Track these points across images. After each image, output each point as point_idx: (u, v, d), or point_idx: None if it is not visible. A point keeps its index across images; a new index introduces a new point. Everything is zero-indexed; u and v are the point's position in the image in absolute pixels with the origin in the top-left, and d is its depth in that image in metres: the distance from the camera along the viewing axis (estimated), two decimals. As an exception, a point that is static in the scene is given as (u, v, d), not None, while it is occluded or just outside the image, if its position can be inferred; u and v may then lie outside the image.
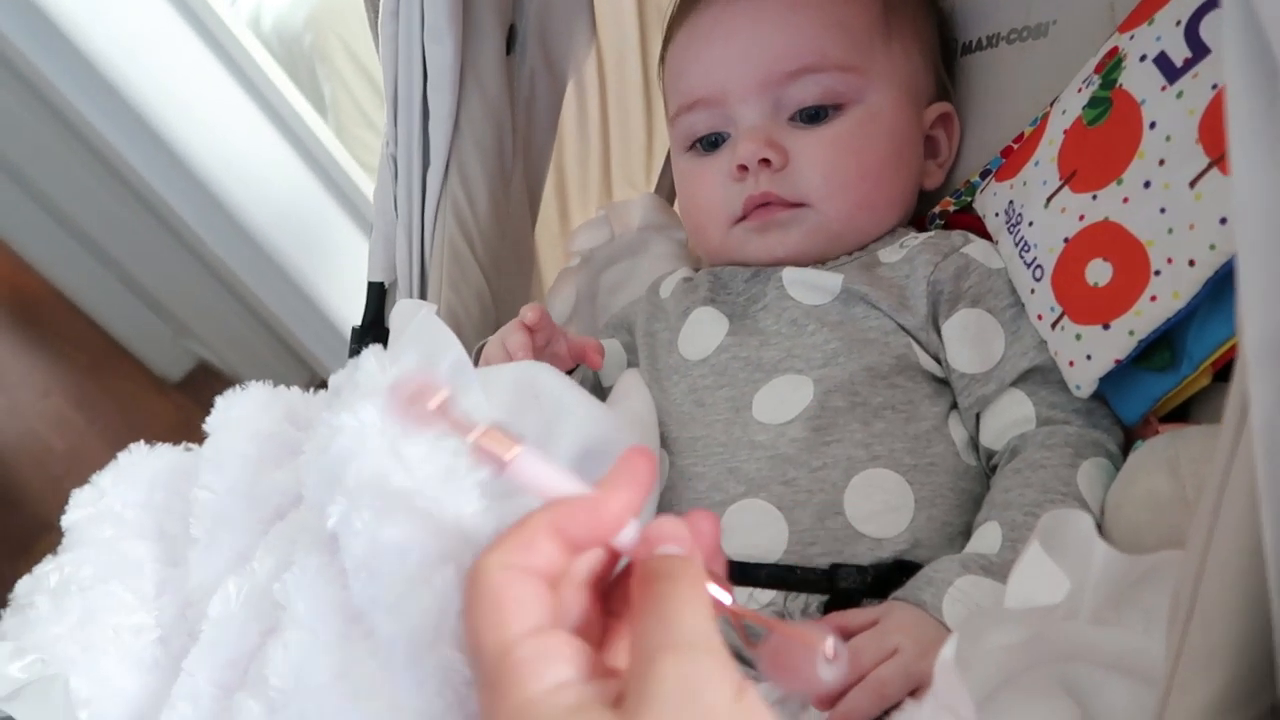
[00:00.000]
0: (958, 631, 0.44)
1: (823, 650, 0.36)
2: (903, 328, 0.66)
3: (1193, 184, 0.52)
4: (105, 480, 0.59)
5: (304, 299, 1.53)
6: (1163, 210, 0.54)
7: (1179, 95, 0.54)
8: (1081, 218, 0.59)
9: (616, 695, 0.33)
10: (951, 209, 0.74)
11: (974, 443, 0.65)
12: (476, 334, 0.78)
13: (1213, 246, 0.52)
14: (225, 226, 1.44)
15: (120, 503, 0.58)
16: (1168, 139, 0.54)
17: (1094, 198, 0.58)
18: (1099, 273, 0.58)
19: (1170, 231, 0.54)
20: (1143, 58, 0.56)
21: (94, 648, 0.48)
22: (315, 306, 1.54)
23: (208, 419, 0.60)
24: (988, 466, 0.64)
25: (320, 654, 0.42)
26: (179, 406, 2.25)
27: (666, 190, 0.93)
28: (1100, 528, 0.56)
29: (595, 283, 0.89)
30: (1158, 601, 0.46)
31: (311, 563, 0.45)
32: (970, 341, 0.64)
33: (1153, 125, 0.55)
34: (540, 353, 0.69)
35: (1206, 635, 0.38)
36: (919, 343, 0.66)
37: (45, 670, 0.47)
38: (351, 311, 0.87)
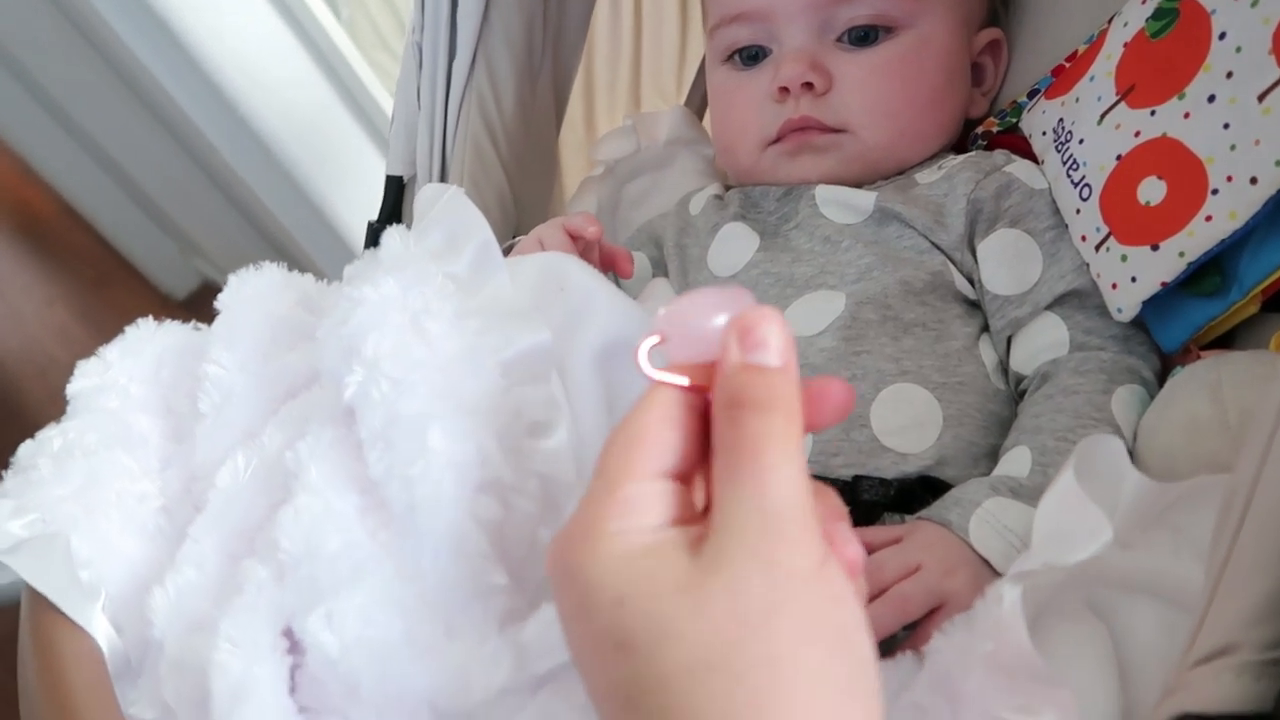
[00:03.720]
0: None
1: (714, 303, 0.33)
2: (937, 246, 0.64)
3: (1262, 98, 0.50)
4: (112, 353, 0.57)
5: (315, 213, 1.50)
6: (1226, 126, 0.51)
7: (1254, 4, 0.51)
8: (1137, 134, 0.56)
9: (698, 536, 0.31)
10: (995, 129, 0.72)
11: (1004, 366, 0.63)
12: (496, 234, 0.76)
13: (1279, 163, 0.49)
14: (238, 134, 1.41)
15: (126, 376, 0.56)
16: (1238, 50, 0.51)
17: (1152, 113, 0.56)
18: (1151, 191, 0.55)
19: (1233, 148, 0.51)
20: (1216, -36, 0.54)
21: (96, 511, 0.47)
22: (326, 222, 1.51)
23: (219, 295, 0.58)
24: (1016, 391, 0.62)
25: (331, 521, 0.40)
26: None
27: (697, 103, 0.90)
28: (1132, 453, 0.54)
29: (618, 194, 0.86)
30: (1188, 523, 0.45)
31: (326, 434, 0.44)
32: (1007, 262, 0.62)
33: (1222, 36, 0.52)
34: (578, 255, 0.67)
35: (1257, 542, 0.37)
36: (953, 262, 0.64)
37: (46, 529, 0.46)
38: (363, 230, 0.85)
